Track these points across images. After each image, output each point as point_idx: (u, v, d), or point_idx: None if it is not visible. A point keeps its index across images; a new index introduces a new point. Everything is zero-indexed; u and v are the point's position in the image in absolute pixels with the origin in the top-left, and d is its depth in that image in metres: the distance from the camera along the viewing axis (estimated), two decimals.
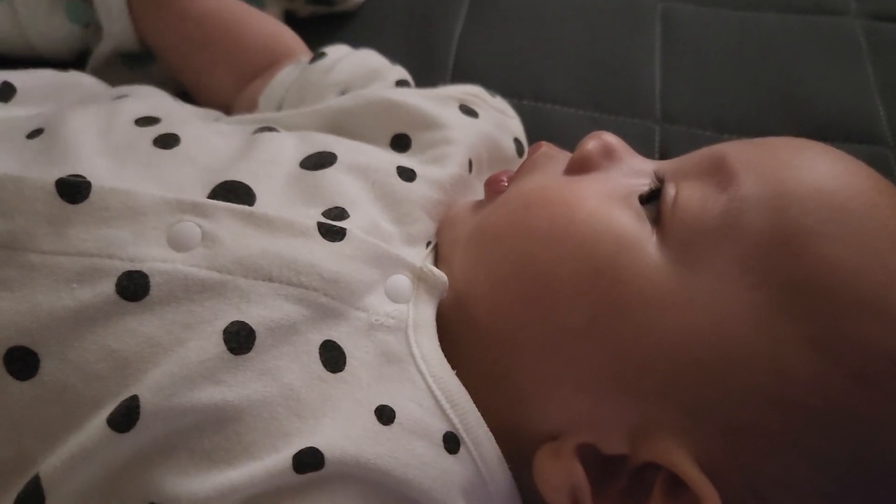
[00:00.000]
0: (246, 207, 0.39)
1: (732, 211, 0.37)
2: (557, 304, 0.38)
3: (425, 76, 0.59)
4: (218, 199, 0.39)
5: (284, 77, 0.56)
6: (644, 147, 0.62)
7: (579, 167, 0.43)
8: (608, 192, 0.40)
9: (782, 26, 0.73)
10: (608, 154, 0.43)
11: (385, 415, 0.36)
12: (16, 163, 0.40)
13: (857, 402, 0.34)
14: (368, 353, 0.38)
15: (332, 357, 0.37)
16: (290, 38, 0.61)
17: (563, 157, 0.45)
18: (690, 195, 0.38)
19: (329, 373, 0.36)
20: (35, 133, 0.42)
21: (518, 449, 0.38)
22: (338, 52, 0.56)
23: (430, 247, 0.45)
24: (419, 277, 0.41)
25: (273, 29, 0.61)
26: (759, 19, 0.73)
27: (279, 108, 0.55)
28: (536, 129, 0.57)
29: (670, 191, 0.39)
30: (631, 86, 0.67)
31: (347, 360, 0.37)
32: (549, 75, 0.68)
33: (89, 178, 0.38)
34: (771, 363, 0.34)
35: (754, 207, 0.36)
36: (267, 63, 0.58)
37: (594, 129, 0.62)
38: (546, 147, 0.46)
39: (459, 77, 0.65)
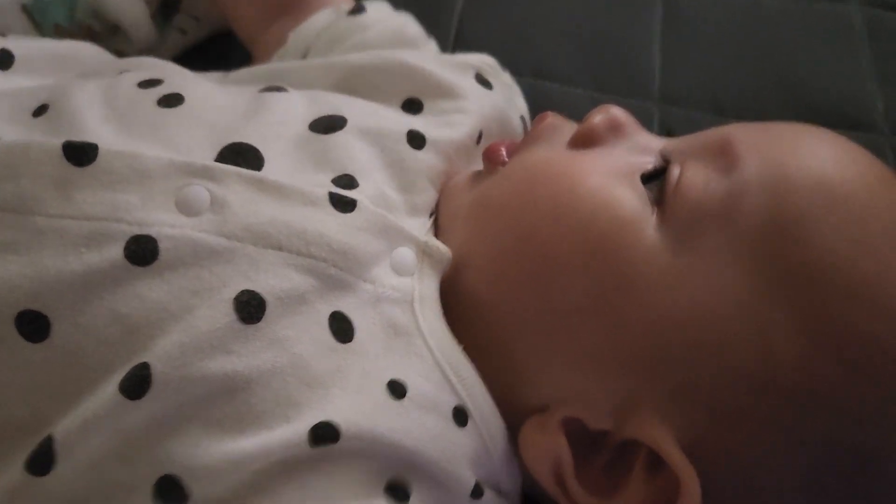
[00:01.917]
0: (256, 173, 0.38)
1: (733, 194, 0.37)
2: (556, 279, 0.38)
3: None
4: (226, 162, 0.39)
5: (319, 20, 0.54)
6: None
7: (584, 141, 0.43)
8: (611, 169, 0.40)
9: (783, 9, 0.73)
10: (614, 128, 0.43)
11: (397, 390, 0.36)
12: (21, 134, 0.39)
13: (842, 388, 0.34)
14: (375, 324, 0.38)
15: (341, 328, 0.37)
16: None
17: (568, 129, 0.45)
18: (694, 177, 0.38)
19: (339, 343, 0.36)
20: (40, 110, 0.42)
21: (507, 421, 0.39)
22: (377, 12, 0.55)
23: (433, 218, 0.45)
24: (423, 251, 0.41)
25: None
26: (760, 1, 0.73)
27: (306, 51, 0.54)
28: (536, 107, 0.56)
29: (674, 171, 0.39)
30: (631, 65, 0.68)
31: (356, 330, 0.37)
32: (550, 53, 0.68)
33: (96, 142, 0.37)
34: (759, 346, 0.35)
35: (755, 192, 0.37)
36: None
37: (593, 108, 0.62)
38: (552, 118, 0.46)
39: (461, 51, 0.64)
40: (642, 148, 0.42)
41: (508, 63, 0.62)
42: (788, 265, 0.35)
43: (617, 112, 0.44)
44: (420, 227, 0.43)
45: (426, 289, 0.40)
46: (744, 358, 0.35)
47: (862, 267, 0.35)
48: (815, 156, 0.38)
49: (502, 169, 0.44)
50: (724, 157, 0.39)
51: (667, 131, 0.46)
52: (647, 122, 0.62)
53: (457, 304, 0.41)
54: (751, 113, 0.64)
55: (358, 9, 0.54)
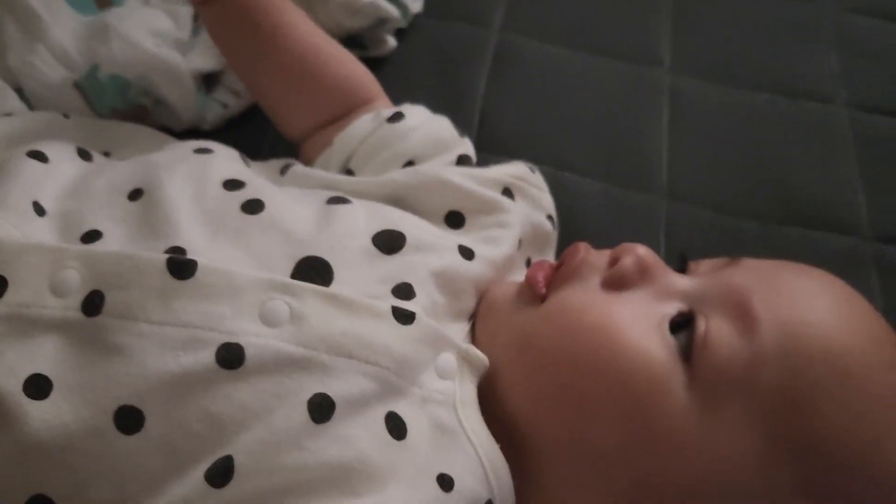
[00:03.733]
0: (329, 290, 0.43)
1: (754, 363, 0.41)
2: (591, 427, 0.43)
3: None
4: (302, 276, 0.44)
5: (361, 127, 0.59)
6: (650, 225, 0.67)
7: (617, 284, 0.46)
8: (644, 319, 0.44)
9: (775, 108, 0.76)
10: (643, 271, 0.46)
11: (446, 482, 0.41)
12: (124, 233, 0.45)
13: None
14: (424, 423, 0.43)
15: (396, 426, 0.41)
16: (367, 80, 0.63)
17: (598, 261, 0.48)
18: (718, 338, 0.42)
19: (395, 440, 0.41)
20: (135, 194, 0.47)
21: None
22: (415, 118, 0.59)
23: (471, 321, 0.49)
24: (463, 357, 0.46)
25: (353, 69, 0.63)
26: (756, 99, 0.77)
27: (350, 155, 0.58)
28: (554, 196, 0.60)
29: (700, 326, 0.43)
30: (641, 160, 0.71)
31: (408, 429, 0.42)
32: (567, 144, 0.71)
33: (191, 254, 0.42)
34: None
35: (771, 363, 0.41)
36: (345, 108, 0.61)
37: (606, 201, 0.66)
38: (583, 253, 0.49)
39: (485, 136, 0.69)
40: (667, 291, 0.46)
41: (528, 152, 0.66)
42: (797, 437, 0.41)
43: (644, 254, 0.47)
44: (460, 331, 0.48)
45: (466, 392, 0.45)
46: None
47: (861, 437, 0.41)
48: (825, 326, 0.42)
49: (542, 307, 0.47)
50: (745, 319, 0.42)
51: (680, 258, 0.49)
52: (655, 221, 0.67)
53: (491, 409, 0.45)
54: (744, 211, 0.69)
55: (397, 116, 0.59)
